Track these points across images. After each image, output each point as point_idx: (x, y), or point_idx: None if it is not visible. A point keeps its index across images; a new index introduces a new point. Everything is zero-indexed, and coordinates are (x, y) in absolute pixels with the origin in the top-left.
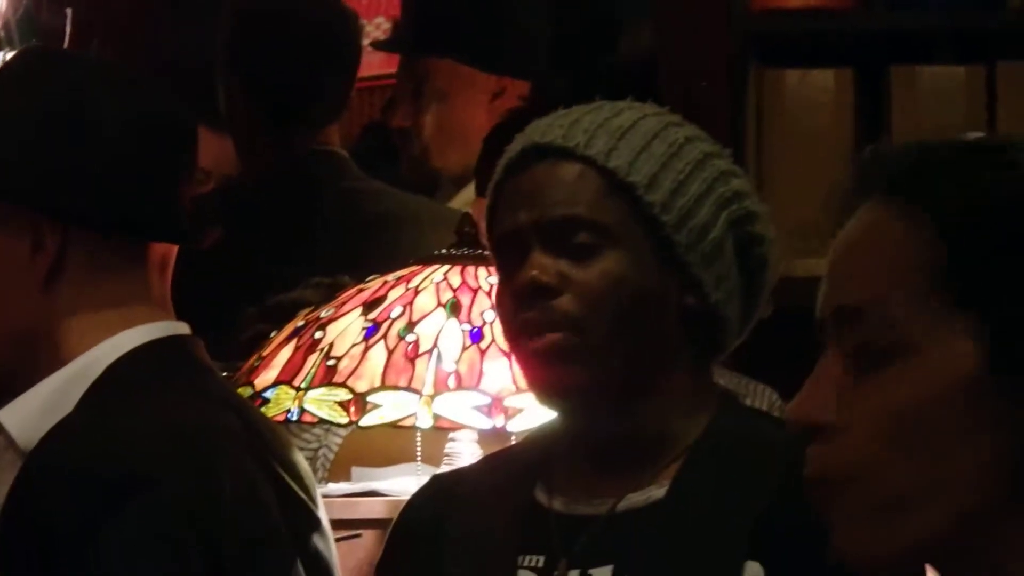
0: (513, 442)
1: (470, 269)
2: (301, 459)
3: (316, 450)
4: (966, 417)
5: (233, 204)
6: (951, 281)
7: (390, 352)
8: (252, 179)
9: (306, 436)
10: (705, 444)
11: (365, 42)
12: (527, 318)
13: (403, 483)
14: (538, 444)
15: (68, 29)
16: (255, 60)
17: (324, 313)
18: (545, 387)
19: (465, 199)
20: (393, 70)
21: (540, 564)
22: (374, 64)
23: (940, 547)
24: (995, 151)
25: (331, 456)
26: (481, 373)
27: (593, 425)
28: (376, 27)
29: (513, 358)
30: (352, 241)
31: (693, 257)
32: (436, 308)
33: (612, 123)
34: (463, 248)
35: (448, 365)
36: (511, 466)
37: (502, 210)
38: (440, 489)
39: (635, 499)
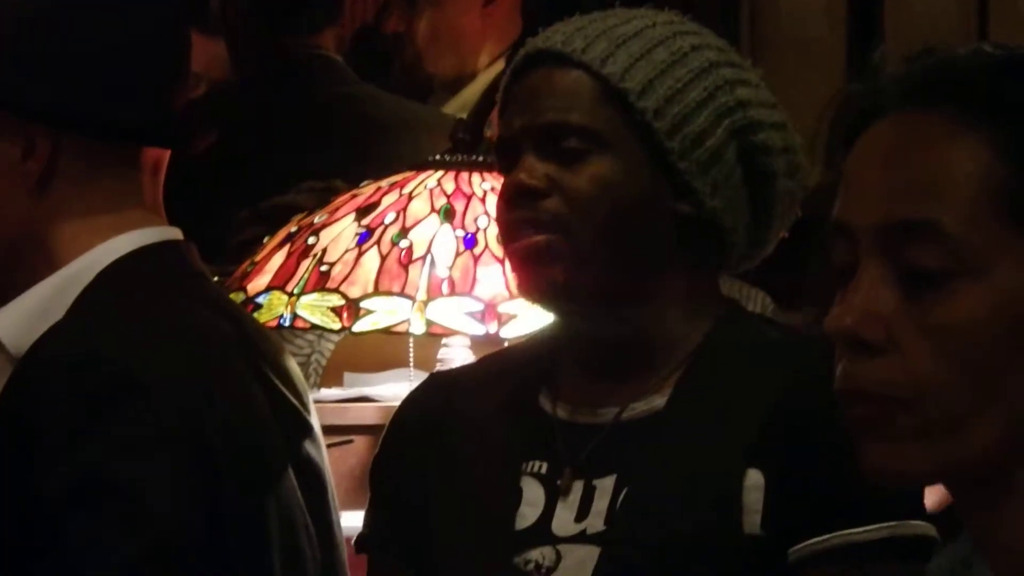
0: (511, 344)
1: (464, 175)
2: (293, 364)
3: (308, 356)
4: (1020, 340)
5: (225, 107)
6: (1016, 201)
7: (383, 258)
8: (245, 83)
9: (298, 342)
10: (706, 352)
11: None
12: (514, 218)
13: (395, 389)
14: (540, 348)
15: None
16: None
17: (317, 219)
18: (528, 287)
19: (459, 104)
20: None
21: (543, 471)
22: None
23: (977, 472)
24: None
25: (323, 362)
26: (475, 279)
27: (586, 328)
28: None
29: (506, 264)
30: (346, 146)
31: (686, 164)
32: (430, 214)
33: (617, 30)
34: (457, 154)
35: (441, 271)
36: (513, 369)
37: (503, 117)
38: (439, 387)
39: (638, 408)
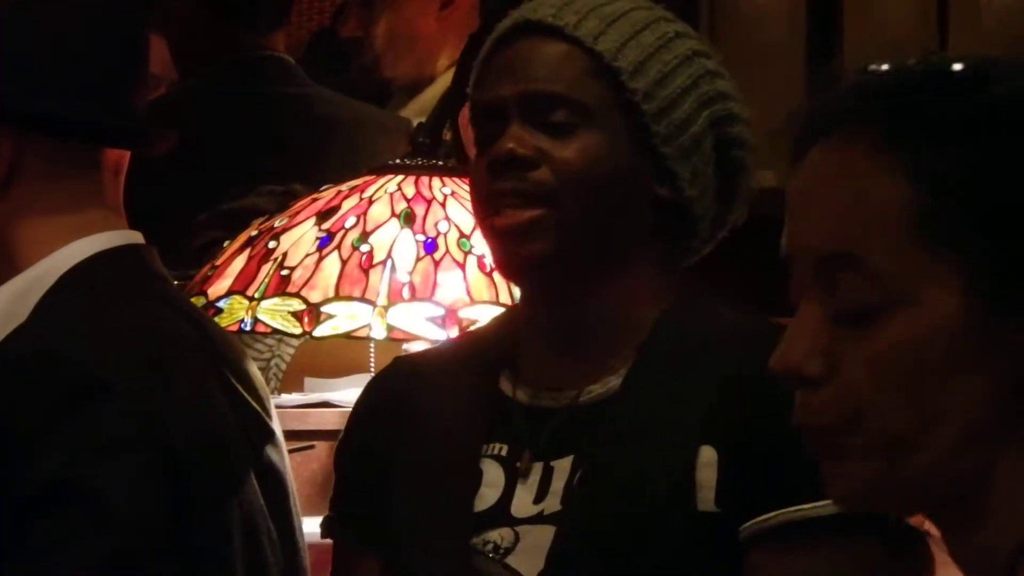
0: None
1: (424, 179)
2: (255, 369)
3: (268, 360)
4: (955, 358)
5: (178, 108)
6: (933, 224)
7: (344, 262)
8: (196, 84)
9: (258, 346)
10: (661, 333)
11: None
12: (500, 188)
13: (356, 394)
14: (501, 331)
15: None
16: None
17: (278, 223)
18: (509, 262)
19: (418, 107)
20: None
21: (504, 453)
22: None
23: (937, 488)
24: (968, 77)
25: (283, 367)
26: (435, 284)
27: (556, 305)
28: None
29: (466, 269)
30: (299, 147)
31: (670, 149)
32: (390, 218)
33: (604, 9)
34: (417, 158)
35: (402, 276)
36: (474, 353)
37: (486, 81)
38: (403, 371)
39: (595, 390)
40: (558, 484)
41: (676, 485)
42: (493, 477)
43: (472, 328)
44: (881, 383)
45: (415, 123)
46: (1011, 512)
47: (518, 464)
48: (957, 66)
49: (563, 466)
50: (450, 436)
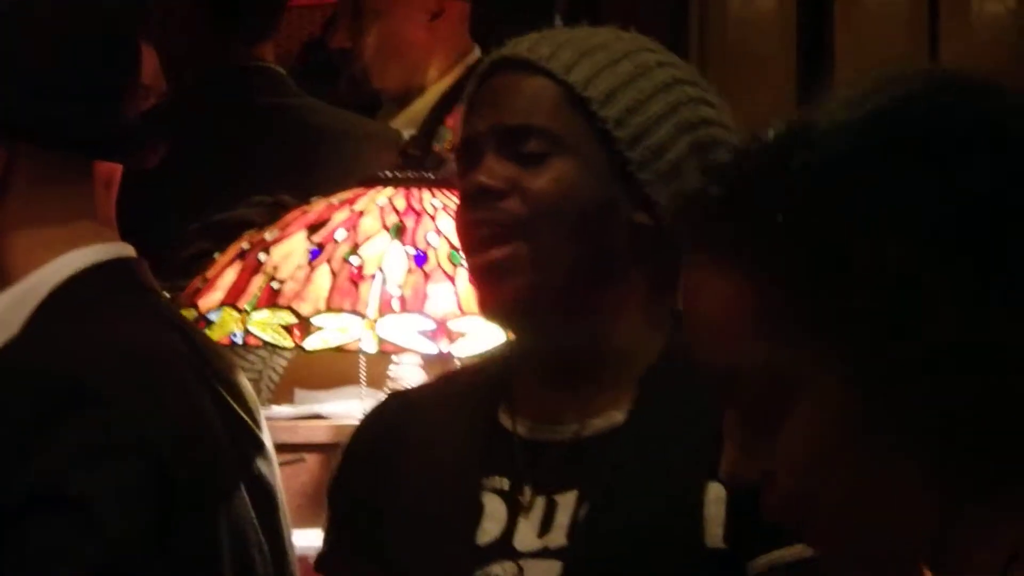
0: (464, 363)
1: (415, 192)
2: (245, 382)
3: (260, 372)
4: (860, 446)
5: (167, 120)
6: (801, 327)
7: (335, 275)
8: (185, 95)
9: (250, 358)
10: (662, 365)
11: None
12: (473, 219)
13: (346, 406)
14: (498, 364)
15: None
16: None
17: (269, 235)
18: (488, 304)
19: (408, 118)
20: None
21: (505, 487)
22: None
23: (907, 551)
24: (772, 163)
25: (275, 378)
26: (425, 296)
27: (543, 343)
28: None
29: (457, 282)
30: (287, 156)
31: (646, 175)
32: (380, 231)
33: (583, 42)
34: (408, 171)
35: (392, 288)
36: (472, 386)
37: (466, 119)
38: (399, 406)
39: (597, 424)
40: (562, 518)
41: (684, 521)
42: (494, 511)
43: (467, 362)
44: (809, 476)
45: (404, 134)
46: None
47: (520, 498)
48: (759, 154)
49: (567, 500)
50: (449, 470)
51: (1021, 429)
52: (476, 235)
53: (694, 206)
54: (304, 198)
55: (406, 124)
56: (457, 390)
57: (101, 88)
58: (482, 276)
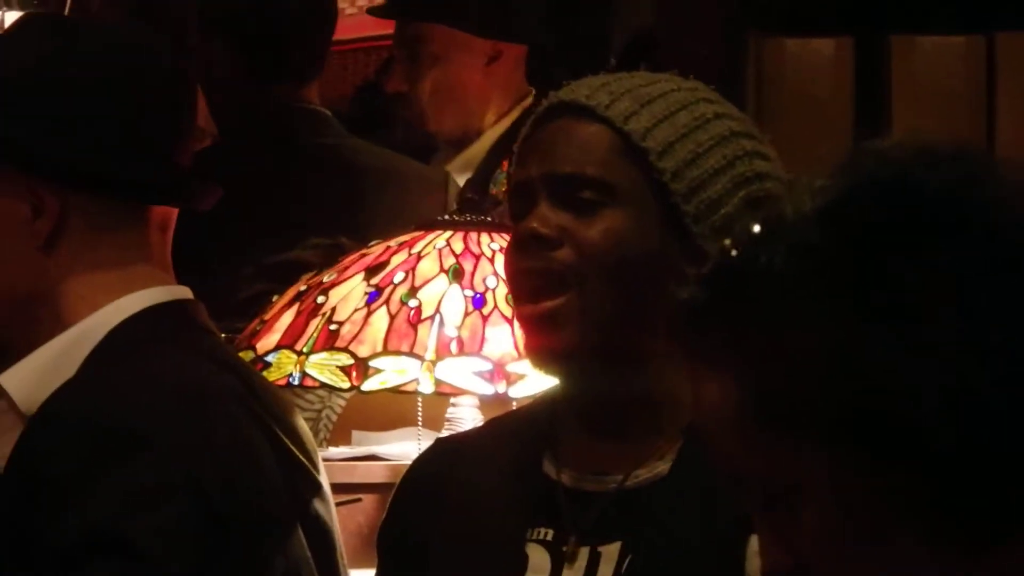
0: (516, 407)
1: (473, 235)
2: (302, 423)
3: (319, 411)
4: (871, 534)
5: (216, 163)
6: (788, 427)
7: (392, 317)
8: (232, 138)
9: (309, 397)
10: None
11: (363, 2)
12: (524, 267)
13: (403, 447)
14: (543, 412)
15: None
16: (237, 17)
17: (326, 278)
18: (536, 352)
19: (464, 162)
20: (386, 31)
21: (549, 538)
22: (368, 25)
23: None
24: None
25: (334, 417)
26: (483, 339)
27: (590, 391)
28: None
29: (514, 324)
30: (332, 197)
31: (701, 228)
32: (439, 274)
33: (641, 90)
34: (465, 214)
35: (450, 330)
36: (517, 434)
37: (520, 161)
38: (444, 452)
39: (642, 475)
40: (606, 570)
41: (726, 574)
42: (538, 562)
43: (513, 408)
44: (826, 557)
45: (458, 177)
46: None
47: (564, 548)
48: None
49: (611, 552)
50: (494, 519)
51: (1007, 490)
52: (528, 284)
53: (684, 312)
54: (352, 238)
55: (463, 168)
56: (502, 437)
57: (153, 133)
58: (532, 324)
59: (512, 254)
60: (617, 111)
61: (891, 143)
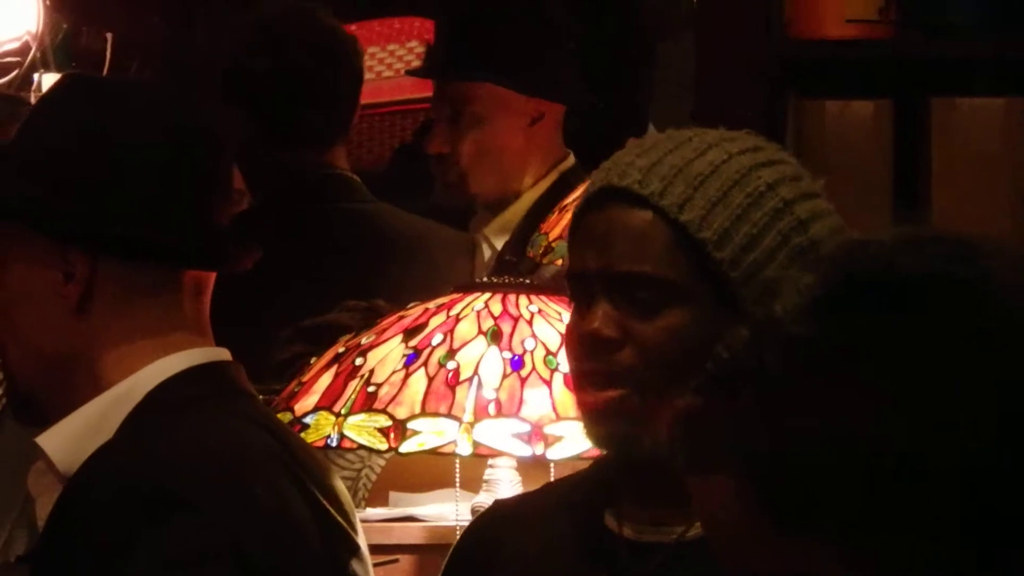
0: (558, 469)
1: (511, 297)
2: (340, 484)
3: (359, 471)
4: None
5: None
6: (795, 527)
7: (430, 379)
8: (258, 201)
9: (349, 457)
10: None
11: (399, 66)
12: (588, 369)
13: (440, 509)
14: (602, 473)
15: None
16: (259, 82)
17: (364, 340)
18: (597, 440)
19: (501, 224)
20: (424, 94)
21: None
22: (405, 87)
23: None
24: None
25: (373, 478)
26: (521, 401)
27: (649, 464)
28: (409, 51)
29: (552, 386)
30: (364, 262)
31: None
32: (477, 336)
33: (693, 167)
34: (504, 276)
35: (488, 392)
36: (575, 494)
37: (575, 248)
38: (501, 513)
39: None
40: None
41: None
42: None
43: (560, 465)
44: None
45: (487, 238)
46: None
47: None
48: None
49: None
50: (553, 571)
51: None
52: (588, 381)
53: (684, 421)
54: (396, 303)
55: (500, 230)
56: (561, 498)
57: (189, 198)
58: (589, 415)
59: (574, 352)
60: (671, 200)
61: (871, 237)
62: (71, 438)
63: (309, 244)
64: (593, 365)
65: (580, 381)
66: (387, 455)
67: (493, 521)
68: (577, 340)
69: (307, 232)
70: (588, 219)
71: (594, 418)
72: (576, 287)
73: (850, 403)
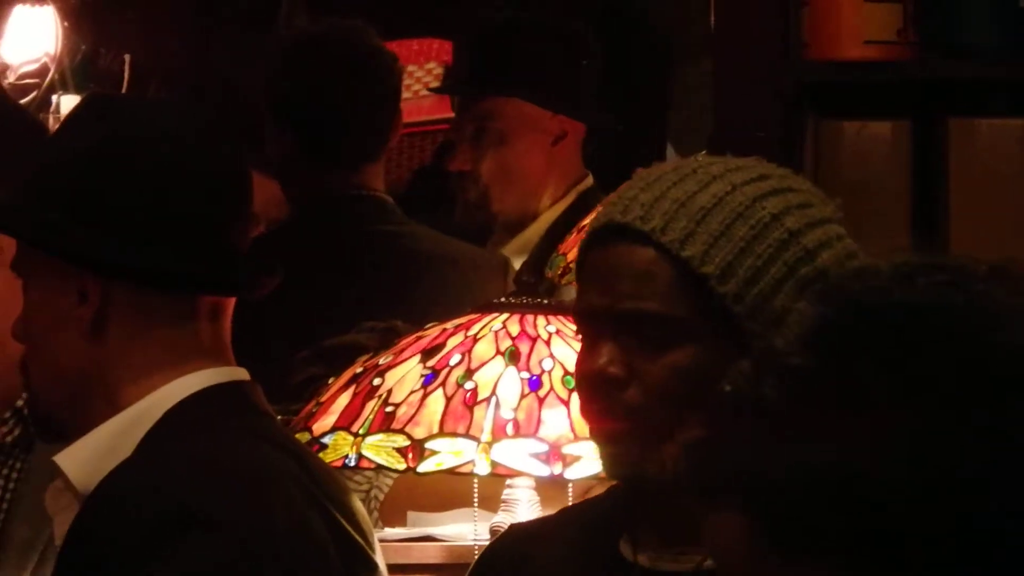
0: (574, 491)
1: (529, 317)
2: (358, 504)
3: (368, 491)
4: None
5: (271, 247)
6: (803, 559)
7: (448, 399)
8: (292, 223)
9: (357, 478)
10: None
11: (418, 87)
12: (596, 408)
13: (458, 529)
14: (618, 499)
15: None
16: (292, 101)
17: (383, 360)
18: (609, 472)
19: (520, 244)
20: (443, 115)
21: None
22: (425, 109)
23: None
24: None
25: (381, 497)
26: (539, 421)
27: (661, 496)
28: (427, 72)
29: (571, 406)
30: (393, 283)
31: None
32: (495, 356)
33: (696, 201)
34: (521, 296)
35: (506, 412)
36: (591, 519)
37: (581, 285)
38: (519, 537)
39: None
40: None
41: None
42: None
43: (578, 485)
44: None
45: (515, 261)
46: None
47: None
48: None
49: None
50: None
51: None
52: (596, 417)
53: (692, 452)
54: (415, 324)
55: (518, 251)
56: (577, 523)
57: (205, 223)
58: (600, 446)
59: (582, 390)
60: (673, 235)
61: (869, 266)
62: (89, 457)
63: (337, 265)
64: (600, 404)
65: (588, 416)
66: (397, 474)
67: (511, 543)
68: (584, 378)
69: (335, 254)
70: (593, 256)
71: (602, 451)
72: (583, 324)
73: (848, 434)
